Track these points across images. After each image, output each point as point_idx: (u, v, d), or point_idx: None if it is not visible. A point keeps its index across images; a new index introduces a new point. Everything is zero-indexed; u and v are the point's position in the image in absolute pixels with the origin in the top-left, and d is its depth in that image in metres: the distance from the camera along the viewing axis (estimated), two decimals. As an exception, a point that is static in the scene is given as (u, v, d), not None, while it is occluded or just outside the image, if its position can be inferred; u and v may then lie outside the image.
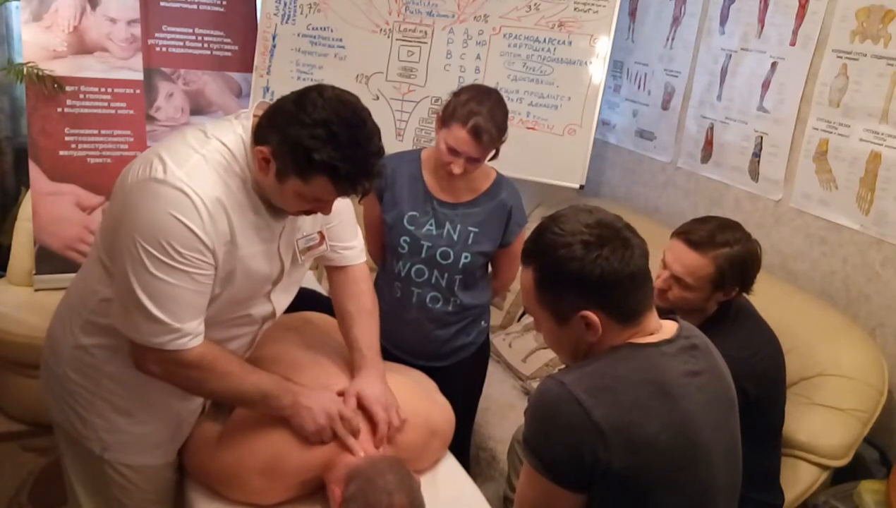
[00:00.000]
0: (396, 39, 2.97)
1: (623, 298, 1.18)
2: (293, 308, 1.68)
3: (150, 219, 1.30)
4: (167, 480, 1.63)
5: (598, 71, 2.87)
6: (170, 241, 1.30)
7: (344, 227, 1.71)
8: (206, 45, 3.16)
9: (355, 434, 1.53)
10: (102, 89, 2.98)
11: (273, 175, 1.33)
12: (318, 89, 1.33)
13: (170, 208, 1.29)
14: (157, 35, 3.07)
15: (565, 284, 1.18)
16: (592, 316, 1.18)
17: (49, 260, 2.89)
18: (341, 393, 1.59)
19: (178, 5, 3.10)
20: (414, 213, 2.02)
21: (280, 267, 1.52)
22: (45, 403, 1.60)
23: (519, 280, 1.34)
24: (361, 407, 1.58)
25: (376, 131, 1.35)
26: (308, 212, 1.44)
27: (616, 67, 3.28)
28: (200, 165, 1.34)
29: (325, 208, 1.42)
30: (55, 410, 1.58)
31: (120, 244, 1.34)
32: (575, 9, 2.87)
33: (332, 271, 1.76)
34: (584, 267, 1.15)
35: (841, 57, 2.29)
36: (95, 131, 2.97)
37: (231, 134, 1.39)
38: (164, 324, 1.34)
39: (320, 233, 1.61)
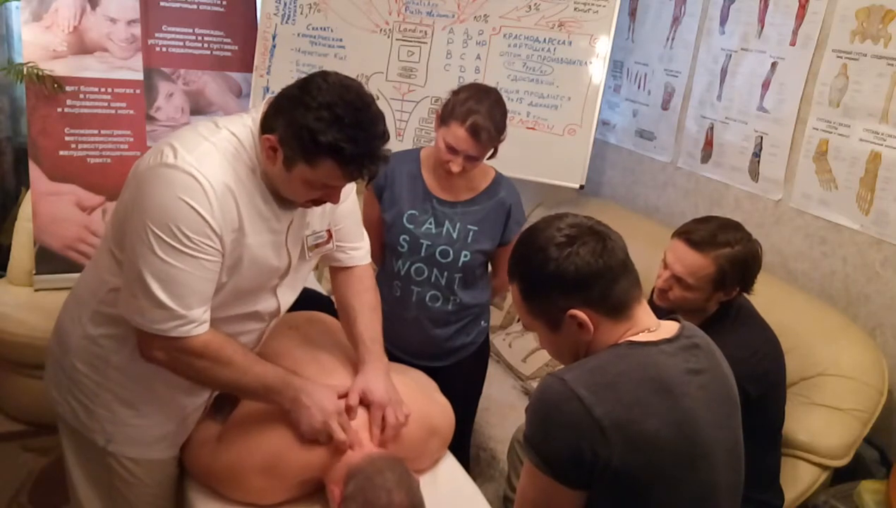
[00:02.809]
0: (396, 39, 2.97)
1: (605, 291, 1.19)
2: (293, 307, 1.68)
3: (160, 204, 1.31)
4: (170, 475, 1.64)
5: (598, 71, 2.87)
6: (179, 225, 1.31)
7: (351, 228, 1.72)
8: (206, 45, 3.16)
9: (353, 443, 1.52)
10: (102, 89, 2.97)
11: (281, 163, 1.34)
12: (323, 74, 1.35)
13: (179, 192, 1.30)
14: (157, 35, 3.06)
15: (547, 288, 1.21)
16: (581, 314, 1.19)
17: (49, 261, 2.89)
18: (342, 396, 1.59)
19: (178, 5, 3.10)
20: (413, 212, 2.02)
21: (287, 261, 1.53)
22: (50, 396, 1.61)
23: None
24: (365, 405, 1.58)
25: (381, 115, 1.36)
26: (317, 202, 1.44)
27: (616, 67, 3.28)
28: (211, 152, 1.35)
29: (334, 196, 1.42)
30: (60, 402, 1.58)
31: (131, 230, 1.35)
32: (575, 9, 2.87)
33: (337, 271, 1.77)
34: (559, 267, 1.18)
35: (841, 57, 2.29)
36: (95, 131, 2.97)
37: (241, 125, 1.41)
38: (170, 310, 1.35)
39: (328, 231, 1.62)
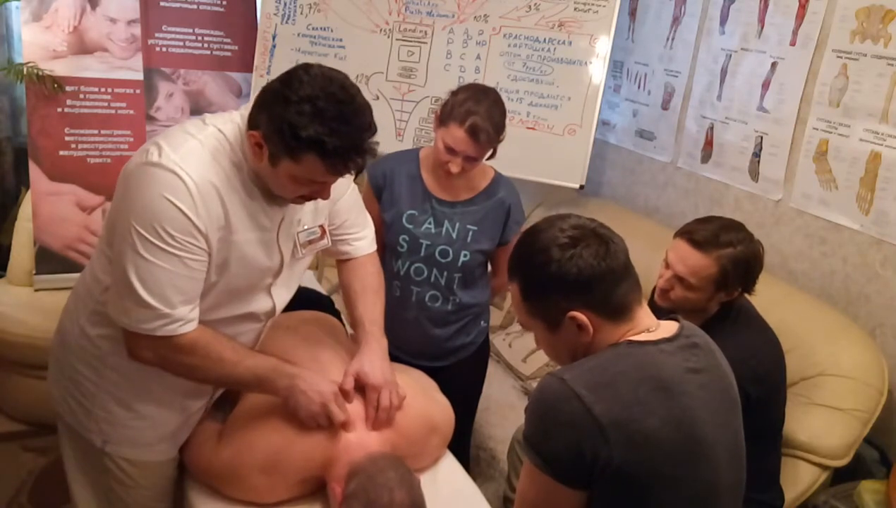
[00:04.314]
0: (396, 39, 2.97)
1: (606, 293, 1.19)
2: (292, 307, 1.68)
3: (144, 202, 1.31)
4: (167, 477, 1.64)
5: (598, 71, 2.87)
6: (163, 224, 1.30)
7: (354, 221, 1.72)
8: (206, 45, 3.16)
9: (348, 423, 1.52)
10: (102, 89, 2.98)
11: (266, 159, 1.33)
12: (305, 67, 1.33)
13: (163, 190, 1.30)
14: (157, 35, 3.07)
15: (548, 289, 1.21)
16: (581, 316, 1.19)
17: (49, 261, 2.89)
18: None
19: (178, 5, 3.10)
20: (413, 212, 2.02)
21: (280, 260, 1.52)
22: (51, 395, 1.61)
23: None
24: (360, 387, 1.58)
25: (366, 107, 1.34)
26: (306, 198, 1.42)
27: (616, 67, 3.28)
28: (196, 149, 1.34)
29: (323, 191, 1.41)
30: (59, 401, 1.59)
31: (118, 229, 1.35)
32: (575, 9, 2.87)
33: (343, 261, 1.77)
34: (561, 268, 1.18)
35: (841, 57, 2.29)
36: (95, 131, 2.97)
37: (229, 122, 1.40)
38: (155, 310, 1.34)
39: (321, 226, 1.61)
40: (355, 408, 1.56)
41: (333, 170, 1.33)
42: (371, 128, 1.33)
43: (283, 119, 1.27)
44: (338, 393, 1.52)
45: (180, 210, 1.30)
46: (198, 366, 1.44)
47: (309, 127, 1.26)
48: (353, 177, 1.41)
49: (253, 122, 1.34)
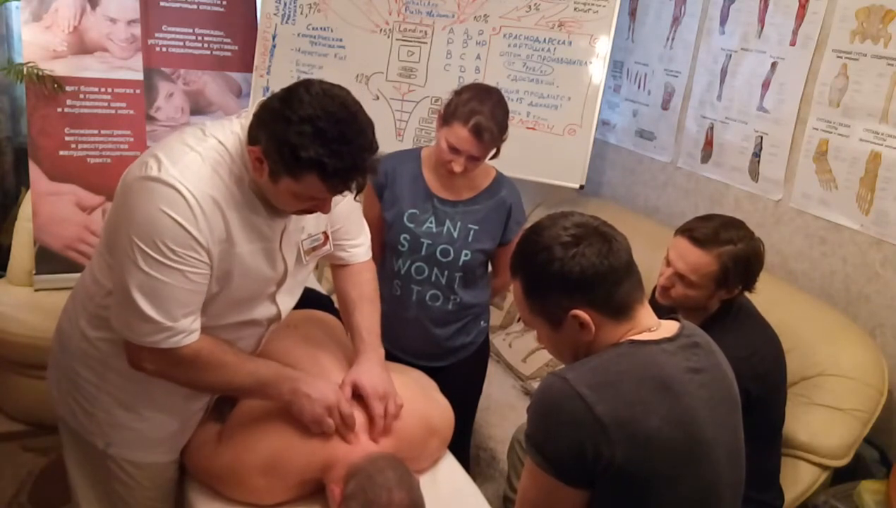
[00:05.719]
0: (396, 39, 2.97)
1: (609, 292, 1.19)
2: (294, 306, 1.68)
3: (143, 217, 1.30)
4: (169, 478, 1.64)
5: (598, 71, 2.87)
6: (163, 239, 1.30)
7: (350, 227, 1.72)
8: (206, 45, 3.16)
9: (351, 426, 1.53)
10: (102, 89, 2.97)
11: (267, 175, 1.32)
12: (306, 85, 1.30)
13: (162, 205, 1.29)
14: (157, 35, 3.07)
15: (550, 287, 1.20)
16: (583, 315, 1.19)
17: (49, 261, 2.89)
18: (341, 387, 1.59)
19: (178, 5, 3.10)
20: (414, 211, 2.02)
21: (283, 268, 1.51)
22: (51, 397, 1.61)
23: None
24: (358, 397, 1.58)
25: (368, 125, 1.33)
26: (306, 212, 1.42)
27: (616, 67, 3.28)
28: (195, 162, 1.33)
29: (323, 207, 1.41)
30: (60, 404, 1.58)
31: (118, 242, 1.34)
32: (575, 9, 2.87)
33: (338, 267, 1.77)
34: (564, 267, 1.18)
35: (841, 57, 2.29)
36: (95, 131, 2.97)
37: (229, 133, 1.39)
38: (157, 323, 1.34)
39: (324, 233, 1.61)
40: (355, 416, 1.56)
41: (334, 190, 1.33)
42: (372, 147, 1.32)
43: (284, 139, 1.26)
44: (342, 397, 1.53)
45: (180, 224, 1.30)
46: (200, 376, 1.44)
47: (309, 148, 1.25)
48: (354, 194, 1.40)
49: (253, 138, 1.33)
